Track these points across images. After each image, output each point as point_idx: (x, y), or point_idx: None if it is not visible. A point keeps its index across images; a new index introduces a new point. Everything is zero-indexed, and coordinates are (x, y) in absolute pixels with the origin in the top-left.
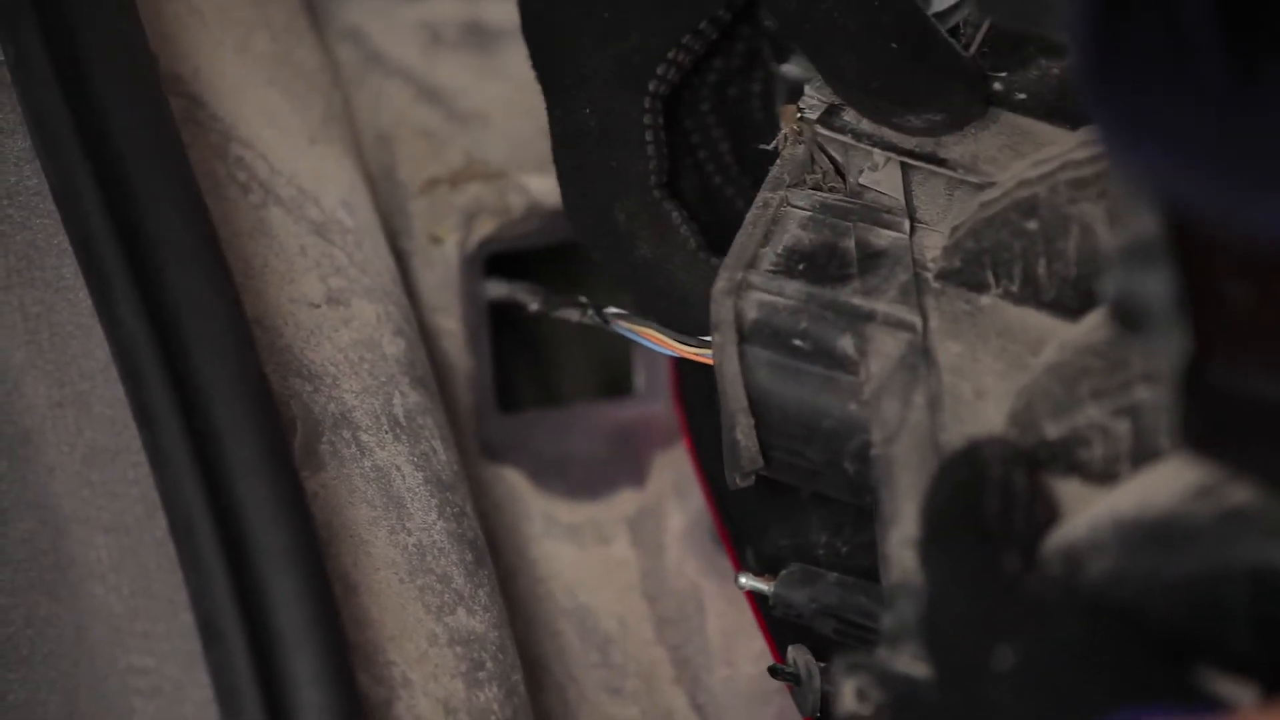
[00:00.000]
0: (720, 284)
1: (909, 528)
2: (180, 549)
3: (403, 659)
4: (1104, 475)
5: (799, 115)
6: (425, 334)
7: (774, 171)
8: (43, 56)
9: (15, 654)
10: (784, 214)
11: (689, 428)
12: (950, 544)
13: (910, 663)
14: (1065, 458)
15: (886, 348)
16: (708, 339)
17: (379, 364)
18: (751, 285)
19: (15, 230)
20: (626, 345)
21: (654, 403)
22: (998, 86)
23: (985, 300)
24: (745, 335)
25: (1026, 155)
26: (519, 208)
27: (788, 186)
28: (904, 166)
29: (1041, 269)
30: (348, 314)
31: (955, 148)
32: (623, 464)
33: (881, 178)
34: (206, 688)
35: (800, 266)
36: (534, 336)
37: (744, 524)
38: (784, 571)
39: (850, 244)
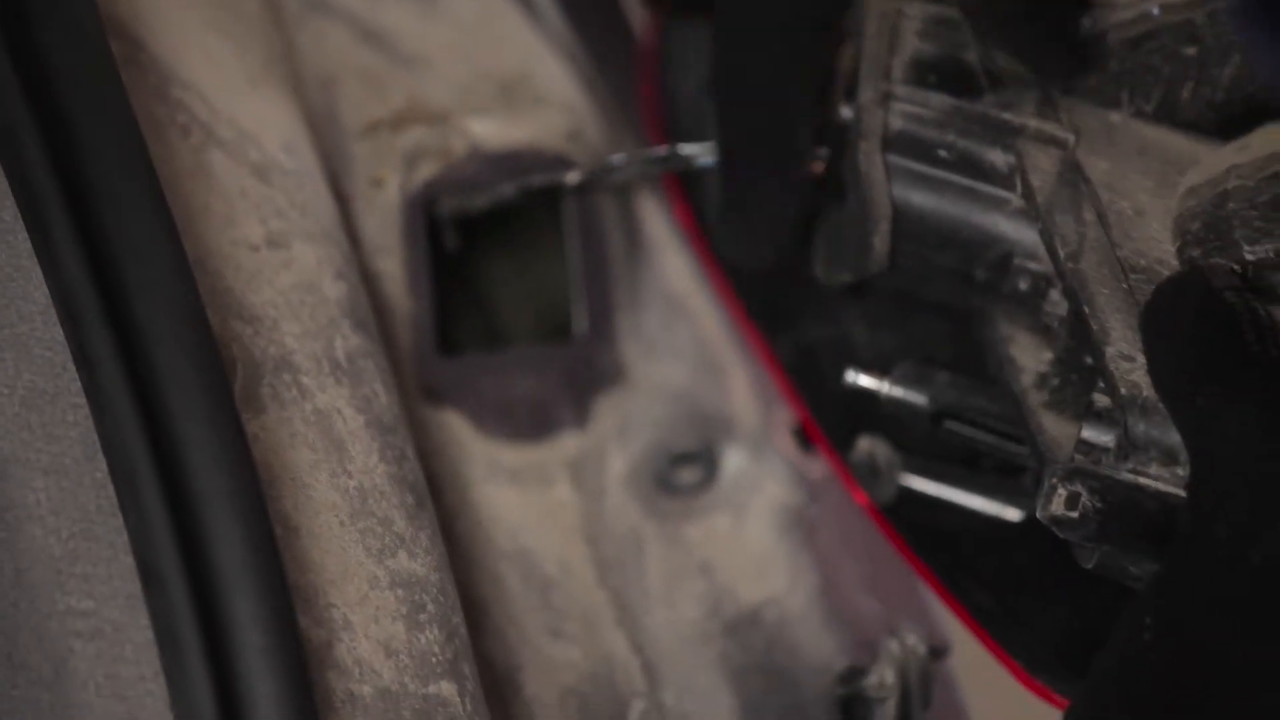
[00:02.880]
0: (868, 94)
1: (1122, 344)
2: (120, 492)
3: (344, 602)
4: None
5: None
6: (366, 277)
7: None
8: None
9: None
10: (900, 24)
11: (698, 227)
12: (1217, 374)
13: (1149, 476)
14: (1258, 281)
15: (1041, 163)
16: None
17: (320, 307)
18: (896, 96)
19: None
20: (568, 287)
21: (596, 345)
22: None
23: (1115, 118)
24: (887, 144)
25: None
26: (461, 151)
27: None
28: None
29: (1186, 92)
30: (288, 257)
31: None
32: (564, 407)
33: None
34: (147, 630)
35: (931, 79)
36: (475, 279)
37: (774, 314)
38: (896, 370)
39: (973, 57)
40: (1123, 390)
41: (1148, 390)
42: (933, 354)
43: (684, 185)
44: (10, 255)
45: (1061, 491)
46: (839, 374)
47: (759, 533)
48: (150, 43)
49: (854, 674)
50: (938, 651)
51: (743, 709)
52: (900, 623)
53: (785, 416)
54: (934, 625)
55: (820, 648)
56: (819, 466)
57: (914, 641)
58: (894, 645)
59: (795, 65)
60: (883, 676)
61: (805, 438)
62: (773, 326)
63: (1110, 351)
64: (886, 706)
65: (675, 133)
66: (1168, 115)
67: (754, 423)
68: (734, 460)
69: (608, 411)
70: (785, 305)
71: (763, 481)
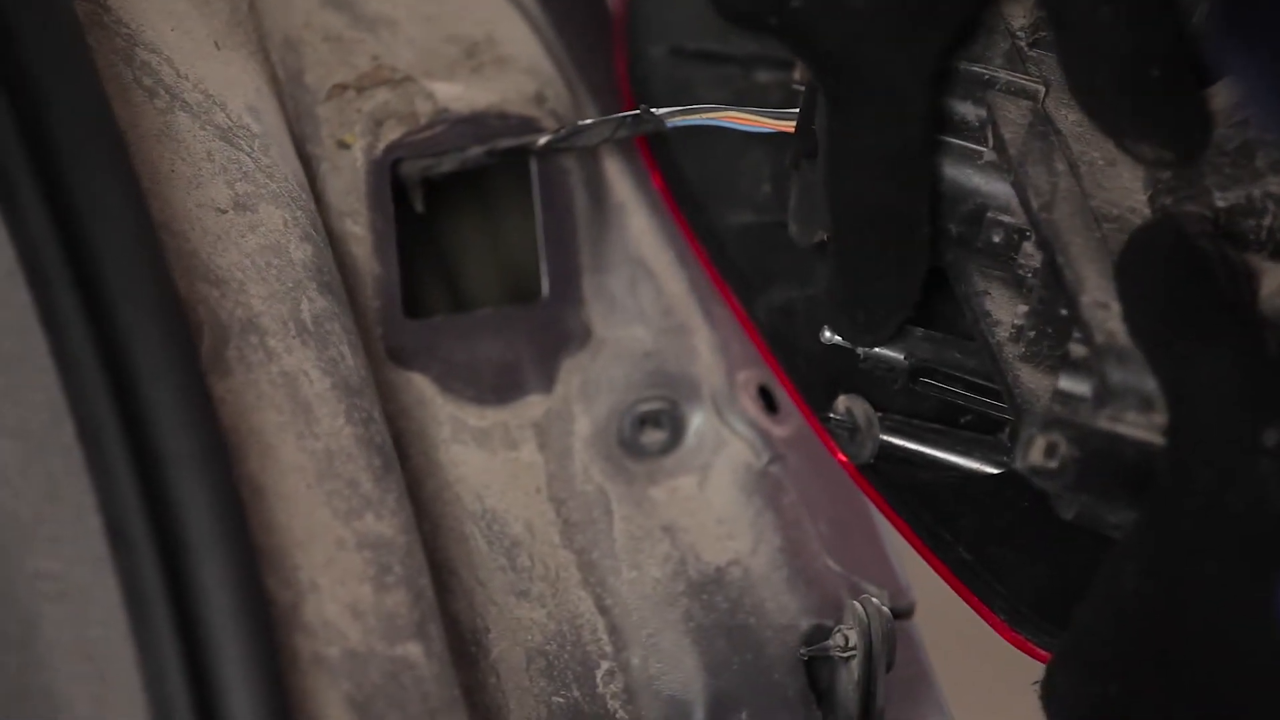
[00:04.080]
0: None
1: (1097, 292)
2: (88, 455)
3: (310, 563)
4: (1275, 246)
5: None
6: (332, 239)
7: None
8: None
9: None
10: None
11: (672, 192)
12: (1193, 319)
13: (1126, 424)
14: (1230, 228)
15: (1012, 115)
16: (787, 110)
17: (286, 269)
18: None
19: None
20: (533, 250)
21: (561, 307)
22: None
23: None
24: None
25: None
26: (426, 114)
27: None
28: None
29: None
30: (255, 219)
31: None
32: (530, 369)
33: None
34: (114, 591)
35: None
36: (441, 242)
37: (748, 276)
38: None
39: None
40: (1099, 338)
41: (1124, 338)
42: None
43: (654, 147)
44: None
45: (1040, 441)
46: (814, 334)
47: (723, 493)
48: (115, 5)
49: (818, 634)
50: (901, 612)
51: (707, 669)
52: (864, 583)
53: (749, 377)
54: (897, 585)
55: (784, 608)
56: (783, 427)
57: (878, 602)
58: (858, 606)
59: (910, 186)
60: (846, 637)
61: (770, 398)
62: (747, 288)
63: (1085, 300)
64: (850, 666)
65: (646, 95)
66: None
67: (718, 384)
68: (698, 421)
69: (573, 373)
70: (759, 266)
71: (727, 442)
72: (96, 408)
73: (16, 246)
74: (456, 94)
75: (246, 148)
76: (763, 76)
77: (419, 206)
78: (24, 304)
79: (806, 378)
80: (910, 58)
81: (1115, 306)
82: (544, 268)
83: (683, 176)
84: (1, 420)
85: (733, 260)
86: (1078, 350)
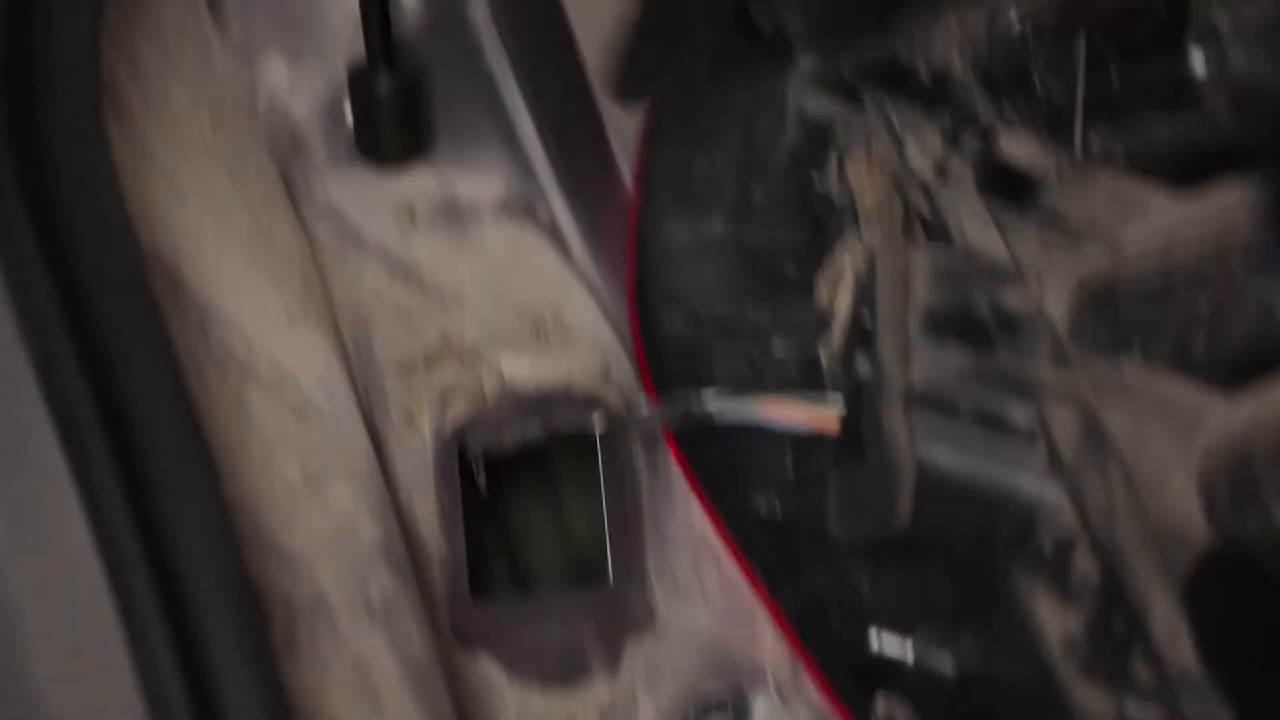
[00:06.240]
0: (889, 350)
1: (1165, 615)
2: None
3: None
4: None
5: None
6: (400, 516)
7: (883, 227)
8: (28, 236)
9: None
10: (911, 276)
11: (705, 490)
12: (1271, 653)
13: None
14: None
15: (1064, 421)
16: (827, 397)
17: (356, 548)
18: (915, 354)
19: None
20: (596, 525)
21: (626, 589)
22: (1097, 142)
23: (1129, 368)
24: (909, 402)
25: (1131, 218)
26: (493, 389)
27: (900, 241)
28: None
29: (1199, 343)
30: (325, 497)
31: (1070, 203)
32: (596, 653)
33: (976, 227)
34: None
35: (946, 332)
36: (506, 519)
37: (777, 567)
38: (918, 635)
39: (983, 306)
40: (1170, 667)
41: (1196, 667)
42: (938, 602)
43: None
44: (55, 496)
45: None
46: (846, 626)
47: None
48: (190, 279)
49: None
50: None
51: None
52: None
53: None
54: None
55: None
56: None
57: None
58: None
59: None
60: None
61: None
62: (778, 575)
63: (1155, 623)
64: None
65: (665, 367)
66: (1180, 364)
67: (784, 670)
68: (763, 710)
69: (638, 657)
70: (789, 553)
71: None
72: (170, 693)
73: (92, 526)
74: (524, 368)
75: (318, 423)
76: (779, 350)
77: (482, 486)
78: (99, 581)
79: (840, 670)
80: None
81: (1184, 630)
82: (610, 548)
83: (706, 457)
84: (82, 700)
85: (758, 546)
86: (1143, 674)
